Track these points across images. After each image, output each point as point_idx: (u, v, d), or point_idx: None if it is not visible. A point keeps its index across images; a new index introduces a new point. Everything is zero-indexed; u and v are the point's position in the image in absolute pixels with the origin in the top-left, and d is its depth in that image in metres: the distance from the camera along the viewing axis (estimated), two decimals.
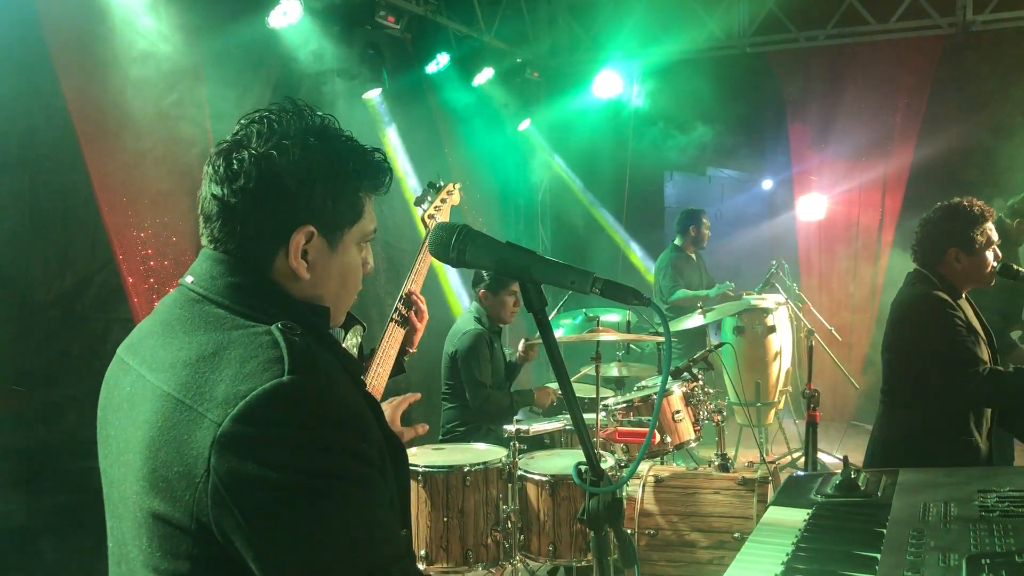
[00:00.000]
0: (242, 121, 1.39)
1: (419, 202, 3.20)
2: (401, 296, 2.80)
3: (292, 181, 1.34)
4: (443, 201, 3.18)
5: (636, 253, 9.61)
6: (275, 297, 1.37)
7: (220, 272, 1.36)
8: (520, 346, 5.40)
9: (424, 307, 2.85)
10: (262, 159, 1.33)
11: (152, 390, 1.28)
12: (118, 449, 1.34)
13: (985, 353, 3.41)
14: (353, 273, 1.48)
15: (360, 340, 2.29)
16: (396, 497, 1.39)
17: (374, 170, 1.44)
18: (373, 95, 6.70)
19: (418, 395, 2.37)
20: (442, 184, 3.23)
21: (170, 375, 1.27)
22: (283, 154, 1.34)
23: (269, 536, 1.16)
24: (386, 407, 2.20)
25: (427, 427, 2.26)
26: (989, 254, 3.44)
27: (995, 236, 3.46)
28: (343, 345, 1.57)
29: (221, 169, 1.35)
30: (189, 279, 1.39)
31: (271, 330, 1.27)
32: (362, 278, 1.53)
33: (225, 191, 1.34)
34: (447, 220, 3.06)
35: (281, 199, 1.35)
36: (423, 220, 3.12)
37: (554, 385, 5.56)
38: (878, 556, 1.72)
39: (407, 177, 7.05)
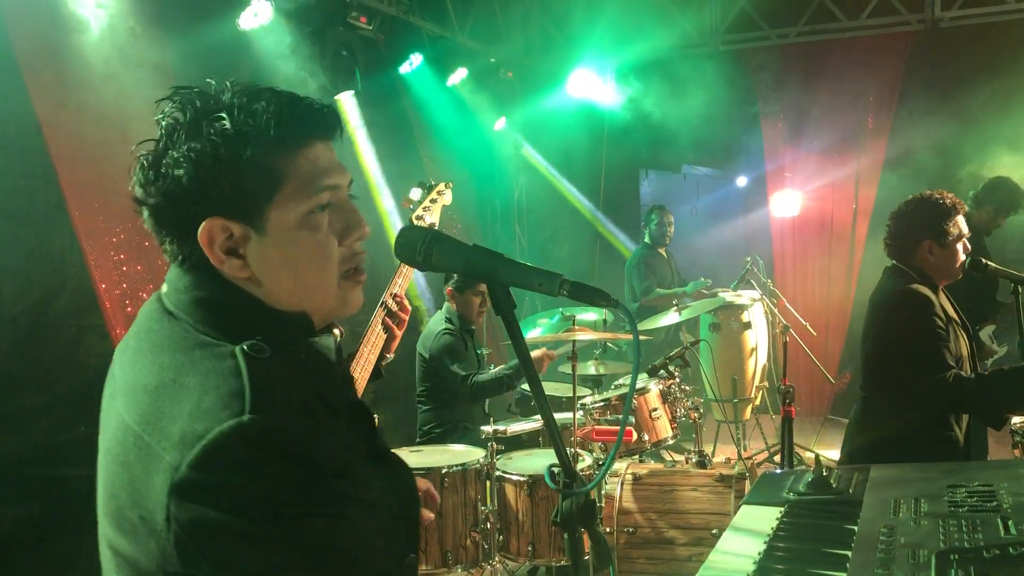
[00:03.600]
0: (156, 121, 1.28)
1: (408, 201, 3.16)
2: (384, 299, 2.77)
3: (184, 176, 1.22)
4: (433, 201, 3.14)
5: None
6: (244, 310, 1.26)
7: (185, 285, 1.27)
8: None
9: (406, 313, 2.83)
10: (157, 160, 1.24)
11: (117, 415, 1.21)
12: (99, 466, 1.26)
13: (963, 345, 3.44)
14: (303, 249, 1.28)
15: (337, 345, 2.26)
16: (389, 522, 1.31)
17: (286, 124, 1.25)
18: (346, 96, 6.67)
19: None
20: (433, 183, 3.19)
21: (131, 402, 1.19)
22: (172, 147, 1.23)
23: None
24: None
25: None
26: (959, 247, 3.46)
27: (965, 229, 3.49)
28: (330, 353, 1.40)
29: (134, 184, 1.28)
30: (164, 288, 1.30)
31: (235, 353, 1.17)
32: (356, 243, 1.35)
33: (139, 205, 1.28)
34: (437, 220, 3.05)
35: (177, 198, 1.23)
36: (411, 220, 3.07)
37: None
38: (849, 554, 1.73)
39: (380, 179, 7.01)
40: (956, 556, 1.57)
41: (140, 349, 1.25)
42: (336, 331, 2.21)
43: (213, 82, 1.30)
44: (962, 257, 3.47)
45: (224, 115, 1.24)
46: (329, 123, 1.31)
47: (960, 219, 3.46)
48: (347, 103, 6.68)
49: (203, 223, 1.23)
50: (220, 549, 1.07)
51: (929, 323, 3.31)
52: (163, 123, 1.26)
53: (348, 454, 1.22)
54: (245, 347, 1.18)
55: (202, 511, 1.07)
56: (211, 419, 1.10)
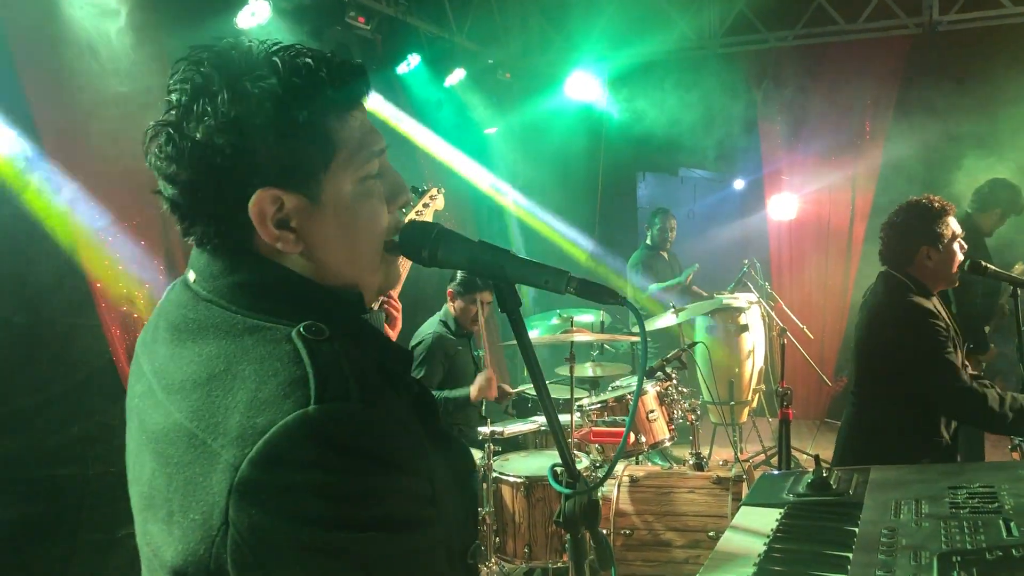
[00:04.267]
0: (170, 89, 1.14)
1: None
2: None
3: (224, 144, 1.09)
4: (425, 206, 3.11)
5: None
6: (293, 289, 1.16)
7: (219, 270, 1.15)
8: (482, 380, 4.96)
9: (398, 313, 2.81)
10: (187, 129, 1.10)
11: (165, 413, 1.09)
12: (134, 471, 1.17)
13: (958, 354, 3.45)
14: (360, 218, 1.20)
15: None
16: (455, 512, 1.21)
17: (336, 84, 1.16)
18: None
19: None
20: (425, 188, 3.16)
21: (180, 398, 1.07)
22: (206, 112, 1.09)
23: None
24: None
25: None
26: (956, 247, 3.48)
27: (958, 229, 3.51)
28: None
29: (157, 160, 1.13)
30: (191, 276, 1.18)
31: (291, 336, 1.06)
32: (400, 209, 1.28)
33: (166, 183, 1.14)
34: None
35: (219, 170, 1.10)
36: None
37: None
38: (850, 556, 1.72)
39: None
40: (958, 558, 1.56)
41: (179, 341, 1.13)
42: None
43: (231, 40, 1.16)
44: (959, 258, 3.48)
45: (268, 72, 1.11)
46: (369, 84, 1.23)
47: (951, 220, 3.49)
48: None
49: (254, 195, 1.11)
50: (281, 559, 0.96)
51: (934, 332, 3.34)
52: (184, 86, 1.11)
53: (419, 443, 1.11)
54: (302, 329, 1.07)
55: (264, 516, 0.95)
56: (273, 411, 0.98)
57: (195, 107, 1.10)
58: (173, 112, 1.12)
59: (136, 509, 1.16)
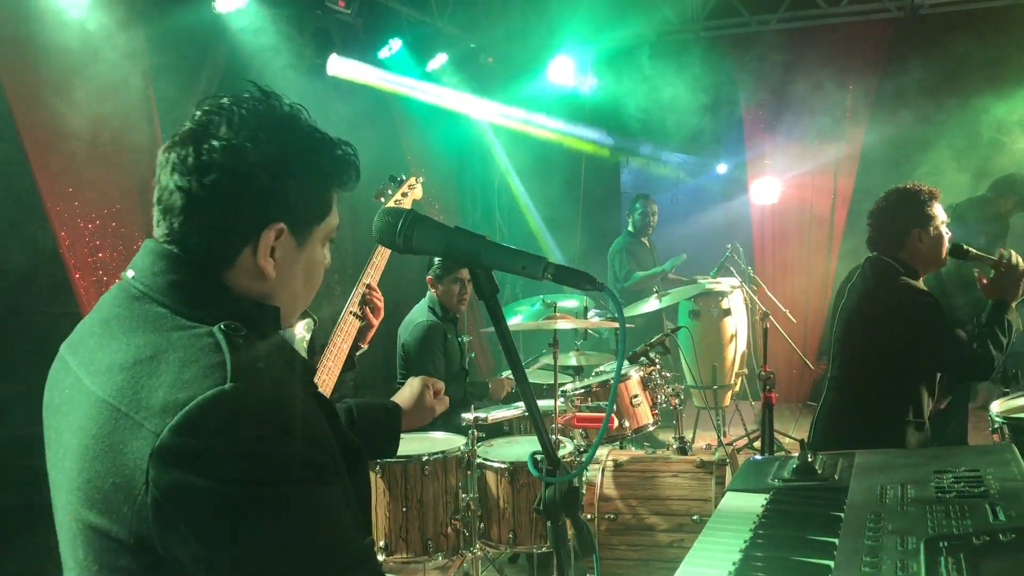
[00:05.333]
0: (206, 107, 1.31)
1: (379, 195, 3.13)
2: (358, 290, 2.75)
3: (265, 175, 1.28)
4: (404, 195, 3.11)
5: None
6: (220, 296, 1.30)
7: (162, 268, 1.28)
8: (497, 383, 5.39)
9: (380, 302, 2.81)
10: (234, 150, 1.27)
11: (87, 395, 1.21)
12: (55, 454, 1.29)
13: None
14: (317, 270, 1.43)
15: (312, 335, 2.25)
16: (354, 503, 1.34)
17: (344, 166, 1.39)
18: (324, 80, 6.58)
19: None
20: (403, 178, 3.16)
21: (105, 379, 1.20)
22: (256, 146, 1.28)
23: (222, 550, 1.11)
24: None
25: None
26: (944, 229, 3.50)
27: (944, 214, 3.54)
28: (293, 344, 1.50)
29: (189, 159, 1.26)
30: (130, 273, 1.31)
31: (213, 332, 1.21)
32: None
33: (193, 183, 1.26)
34: None
35: (253, 194, 1.28)
36: None
37: (508, 373, 5.48)
38: (836, 541, 1.72)
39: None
40: (945, 543, 1.55)
41: (109, 334, 1.26)
42: (310, 319, 2.19)
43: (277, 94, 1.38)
44: (947, 241, 3.51)
45: (308, 129, 1.36)
46: (356, 180, 1.45)
47: (938, 204, 3.51)
48: (325, 86, 6.61)
49: (273, 224, 1.31)
50: (198, 512, 1.10)
51: (937, 310, 3.39)
52: (238, 111, 1.30)
53: (324, 426, 1.28)
54: (222, 326, 1.22)
55: (182, 475, 1.10)
56: (193, 388, 1.13)
57: (245, 131, 1.28)
58: (222, 127, 1.28)
59: (55, 489, 1.31)
